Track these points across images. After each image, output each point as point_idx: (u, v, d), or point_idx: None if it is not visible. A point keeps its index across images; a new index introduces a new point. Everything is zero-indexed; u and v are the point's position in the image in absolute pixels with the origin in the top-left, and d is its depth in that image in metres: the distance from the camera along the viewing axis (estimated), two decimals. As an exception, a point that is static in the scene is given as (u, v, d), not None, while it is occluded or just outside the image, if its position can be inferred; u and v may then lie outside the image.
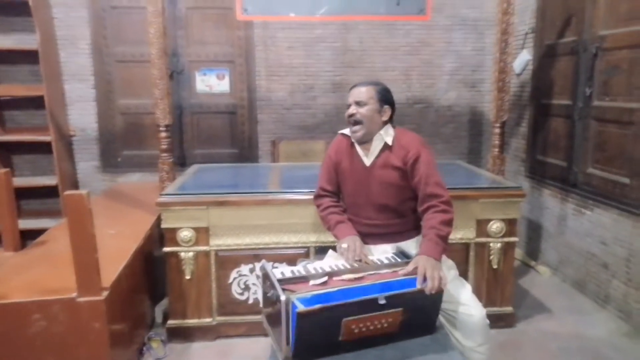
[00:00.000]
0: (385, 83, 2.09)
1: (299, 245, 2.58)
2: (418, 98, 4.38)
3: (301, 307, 1.41)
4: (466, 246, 2.65)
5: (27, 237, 2.98)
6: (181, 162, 4.09)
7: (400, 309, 1.52)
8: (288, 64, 4.20)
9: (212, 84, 4.19)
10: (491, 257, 2.66)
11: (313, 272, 1.68)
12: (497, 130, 3.00)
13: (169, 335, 2.62)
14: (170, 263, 2.55)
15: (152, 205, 2.60)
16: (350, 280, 1.66)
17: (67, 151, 4.04)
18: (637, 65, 2.71)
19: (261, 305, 1.84)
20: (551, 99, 3.56)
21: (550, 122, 3.59)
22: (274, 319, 1.56)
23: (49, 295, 1.92)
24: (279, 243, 2.58)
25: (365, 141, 2.02)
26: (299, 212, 2.54)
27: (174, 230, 2.52)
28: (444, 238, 1.81)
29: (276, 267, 1.76)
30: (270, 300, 1.58)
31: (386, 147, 2.00)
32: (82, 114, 4.10)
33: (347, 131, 2.07)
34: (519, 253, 3.74)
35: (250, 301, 2.63)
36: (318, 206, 2.16)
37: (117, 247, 2.44)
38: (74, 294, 1.92)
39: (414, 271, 1.66)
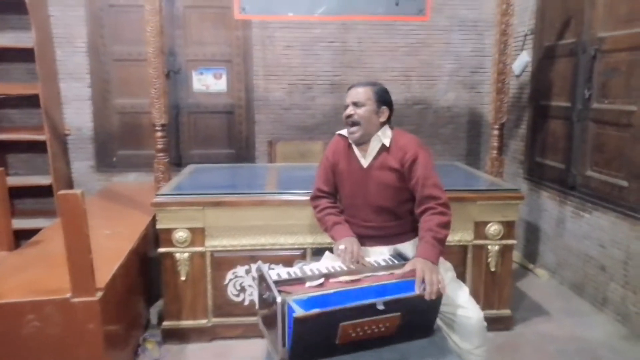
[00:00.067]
0: (383, 83, 2.08)
1: (296, 246, 2.57)
2: (417, 99, 4.37)
3: (299, 312, 1.39)
4: (464, 248, 2.64)
5: (21, 236, 2.96)
6: (177, 162, 4.07)
7: (398, 313, 1.51)
8: (286, 63, 4.19)
9: (209, 83, 4.17)
10: (489, 259, 2.64)
11: (309, 273, 1.67)
12: (496, 132, 2.99)
13: (164, 337, 2.60)
14: (165, 264, 2.53)
15: (148, 206, 2.58)
16: (347, 282, 1.64)
17: (62, 150, 4.01)
18: (636, 68, 2.71)
19: (257, 306, 1.83)
20: (550, 100, 3.55)
21: (549, 124, 3.58)
22: (269, 321, 1.54)
23: (42, 296, 1.90)
24: (276, 244, 2.56)
25: (363, 142, 2.00)
26: (295, 213, 2.52)
27: (169, 231, 2.50)
28: (441, 241, 1.80)
29: (272, 269, 1.74)
30: (266, 302, 1.57)
31: (384, 148, 1.98)
32: (77, 113, 4.07)
33: (344, 132, 2.06)
34: (517, 255, 3.73)
35: (246, 303, 2.61)
36: (315, 207, 2.14)
37: (112, 248, 2.41)
38: (68, 295, 1.90)
39: (410, 273, 1.64)
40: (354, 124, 1.97)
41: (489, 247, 2.63)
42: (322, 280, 1.63)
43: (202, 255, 2.54)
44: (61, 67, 3.98)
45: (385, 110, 2.00)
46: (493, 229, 2.61)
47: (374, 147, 1.99)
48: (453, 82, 4.38)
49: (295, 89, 4.23)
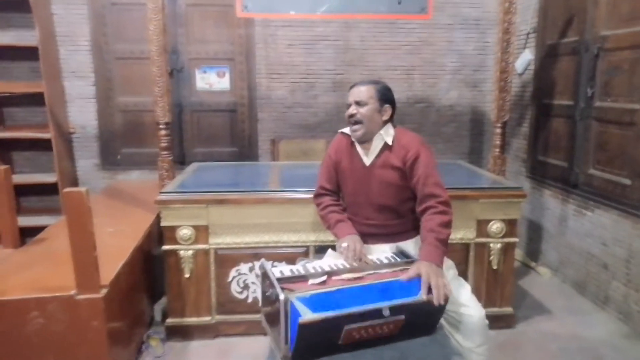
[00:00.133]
0: (386, 82, 2.08)
1: (299, 244, 2.57)
2: (419, 97, 4.36)
3: (304, 318, 1.38)
4: (466, 246, 2.64)
5: (26, 234, 2.97)
6: (181, 161, 4.09)
7: (403, 316, 1.50)
8: (289, 62, 4.19)
9: (212, 81, 4.18)
10: (491, 257, 2.65)
11: (312, 271, 1.68)
12: (499, 130, 2.99)
13: (167, 334, 2.61)
14: (169, 261, 2.55)
15: (152, 204, 2.59)
16: (349, 279, 1.65)
17: (67, 149, 4.03)
18: (638, 66, 2.70)
19: (260, 304, 1.84)
20: (553, 99, 3.55)
21: (551, 123, 3.58)
22: (272, 318, 1.55)
23: (47, 293, 1.92)
24: (279, 242, 2.57)
25: (365, 140, 2.01)
26: (298, 211, 2.53)
27: (173, 229, 2.51)
28: (444, 241, 1.79)
29: (275, 266, 1.76)
30: (270, 299, 1.58)
31: (386, 146, 1.99)
32: (81, 112, 4.09)
33: (347, 130, 2.06)
34: (519, 254, 3.73)
35: (250, 300, 2.63)
36: (318, 205, 2.15)
37: (116, 245, 2.43)
38: (73, 292, 1.92)
39: (416, 277, 1.64)
40: (357, 122, 1.98)
41: (491, 245, 2.63)
42: (324, 277, 1.64)
43: (205, 252, 2.55)
44: (65, 66, 4.00)
45: (387, 109, 2.00)
46: (495, 227, 2.61)
47: (376, 145, 2.00)
48: (455, 80, 4.38)
49: (297, 87, 4.24)
